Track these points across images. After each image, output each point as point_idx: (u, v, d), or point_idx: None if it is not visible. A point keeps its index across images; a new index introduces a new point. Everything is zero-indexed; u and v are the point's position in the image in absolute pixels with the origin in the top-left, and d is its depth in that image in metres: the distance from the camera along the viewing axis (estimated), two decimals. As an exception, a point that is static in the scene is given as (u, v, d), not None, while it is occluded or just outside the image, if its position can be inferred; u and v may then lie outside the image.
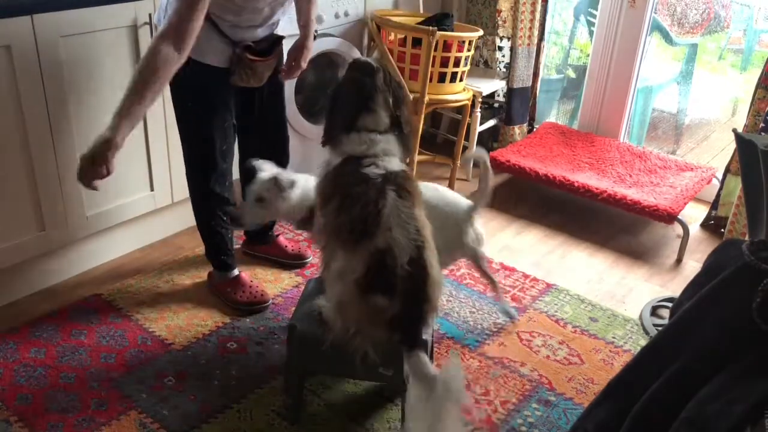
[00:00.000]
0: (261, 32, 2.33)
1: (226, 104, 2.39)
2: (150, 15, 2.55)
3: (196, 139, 2.40)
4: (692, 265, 3.05)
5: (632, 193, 3.19)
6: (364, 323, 1.84)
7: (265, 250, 2.87)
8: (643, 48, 3.60)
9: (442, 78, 3.36)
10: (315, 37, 2.61)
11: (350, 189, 1.91)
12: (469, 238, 2.35)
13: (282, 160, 2.61)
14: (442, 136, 4.17)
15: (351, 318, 1.85)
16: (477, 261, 2.42)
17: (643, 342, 2.50)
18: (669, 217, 3.03)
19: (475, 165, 2.30)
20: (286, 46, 2.52)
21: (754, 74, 3.29)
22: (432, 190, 2.38)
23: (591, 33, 4.07)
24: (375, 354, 1.85)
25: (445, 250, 2.21)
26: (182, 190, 2.91)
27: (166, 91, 2.70)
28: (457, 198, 2.39)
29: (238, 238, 3.01)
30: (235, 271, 2.65)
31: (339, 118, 2.03)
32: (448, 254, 2.31)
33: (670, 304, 2.57)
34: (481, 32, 3.45)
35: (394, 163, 1.98)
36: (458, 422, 1.73)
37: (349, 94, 2.03)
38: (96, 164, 1.88)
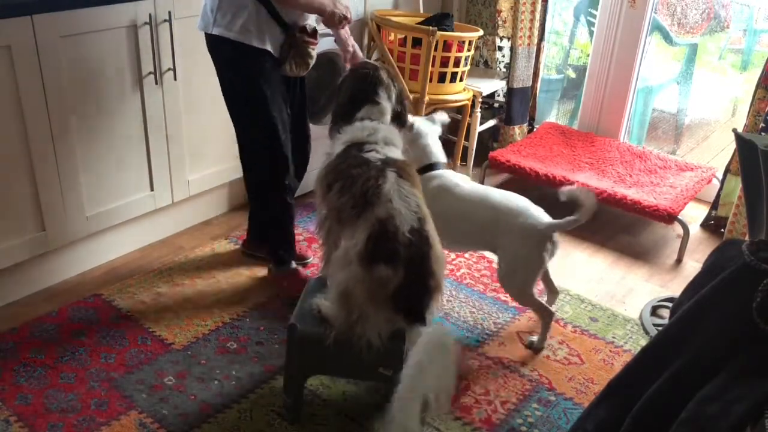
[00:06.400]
0: (308, 15, 2.39)
1: (282, 94, 2.42)
2: (150, 15, 2.55)
3: (265, 129, 2.40)
4: (692, 265, 3.05)
5: (632, 193, 3.19)
6: (369, 304, 1.84)
7: (266, 250, 2.87)
8: (643, 48, 3.60)
9: (442, 78, 3.36)
10: None
11: (351, 170, 1.96)
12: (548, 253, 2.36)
13: (305, 155, 2.70)
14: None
15: (355, 303, 1.85)
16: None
17: (643, 342, 2.50)
18: (669, 217, 3.03)
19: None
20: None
21: (754, 74, 3.29)
22: (518, 199, 2.40)
23: (591, 33, 4.06)
24: (379, 341, 1.85)
25: (528, 264, 2.31)
26: (182, 190, 2.92)
27: (158, 92, 2.71)
28: (540, 212, 2.39)
29: (237, 238, 3.01)
30: (293, 264, 2.67)
31: (343, 108, 2.10)
32: (531, 269, 2.35)
33: (670, 304, 2.57)
34: (481, 32, 3.45)
35: (395, 152, 2.02)
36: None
37: (353, 86, 2.12)
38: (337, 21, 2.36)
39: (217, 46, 2.35)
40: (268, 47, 2.30)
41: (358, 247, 1.84)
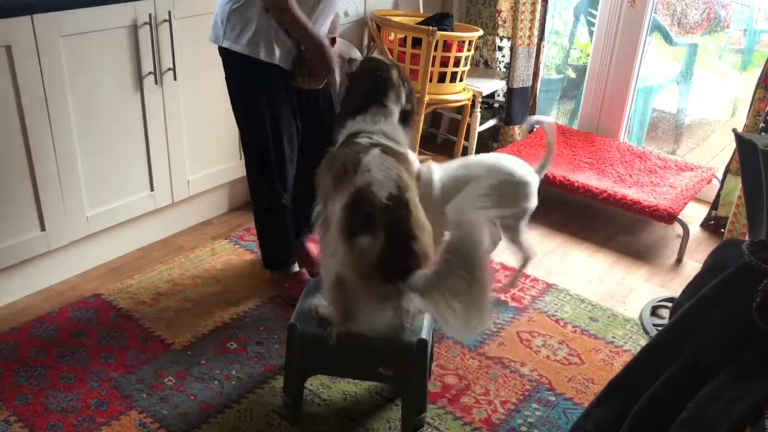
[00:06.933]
0: (324, 28, 2.36)
1: (291, 107, 2.39)
2: (150, 15, 2.55)
3: (265, 143, 2.39)
4: (692, 265, 3.05)
5: (632, 193, 3.19)
6: (358, 283, 1.79)
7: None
8: (643, 48, 3.60)
9: (442, 78, 3.36)
10: None
11: (339, 152, 1.97)
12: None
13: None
14: (442, 136, 4.17)
15: (347, 291, 1.82)
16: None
17: (643, 342, 2.50)
18: (669, 217, 3.03)
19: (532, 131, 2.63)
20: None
21: (754, 74, 3.29)
22: (498, 156, 2.60)
23: (591, 33, 4.07)
24: (377, 332, 1.84)
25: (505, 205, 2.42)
26: (182, 190, 2.92)
27: (158, 92, 2.71)
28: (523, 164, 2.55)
29: (237, 238, 3.01)
30: (295, 267, 2.67)
31: (350, 109, 2.09)
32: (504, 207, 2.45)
33: (670, 304, 2.57)
34: (481, 32, 3.45)
35: (393, 145, 2.01)
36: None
37: (362, 88, 2.11)
38: (322, 66, 2.24)
39: (226, 58, 2.34)
40: (277, 61, 2.27)
41: (336, 219, 1.82)
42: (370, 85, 2.10)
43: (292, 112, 2.40)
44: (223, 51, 2.32)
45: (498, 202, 2.51)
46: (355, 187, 1.82)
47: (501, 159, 2.53)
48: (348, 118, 2.08)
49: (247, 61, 2.26)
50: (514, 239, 2.54)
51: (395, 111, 2.11)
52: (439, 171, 2.42)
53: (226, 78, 2.39)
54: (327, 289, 1.90)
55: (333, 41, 2.37)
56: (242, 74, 2.33)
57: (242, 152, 2.59)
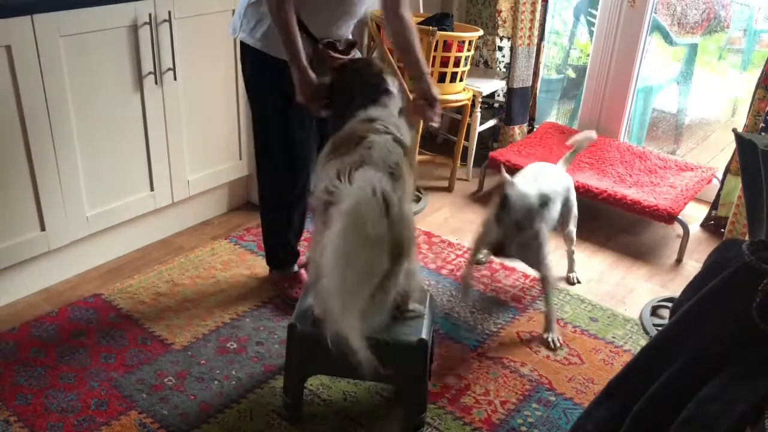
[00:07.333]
0: (343, 30, 2.33)
1: (304, 108, 2.35)
2: (150, 15, 2.55)
3: (272, 137, 2.39)
4: (692, 265, 3.05)
5: (632, 193, 3.19)
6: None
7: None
8: (643, 48, 3.60)
9: (442, 78, 3.36)
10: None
11: (349, 126, 1.92)
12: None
13: None
14: (442, 136, 4.17)
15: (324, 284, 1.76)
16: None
17: (643, 342, 2.50)
18: (669, 217, 3.03)
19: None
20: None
21: (754, 74, 3.29)
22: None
23: (591, 33, 4.07)
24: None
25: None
26: (182, 190, 2.92)
27: (158, 92, 2.71)
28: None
29: (237, 238, 3.01)
30: (295, 267, 2.67)
31: (356, 103, 2.02)
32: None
33: (670, 304, 2.57)
34: (481, 32, 3.45)
35: (402, 138, 1.96)
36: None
37: (366, 80, 2.06)
38: (304, 93, 2.13)
39: (242, 51, 2.35)
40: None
41: (319, 193, 1.77)
42: (368, 79, 2.06)
43: (304, 111, 2.38)
44: (240, 44, 2.34)
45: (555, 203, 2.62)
46: (347, 163, 1.76)
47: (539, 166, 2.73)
48: (359, 109, 2.00)
49: (259, 55, 2.26)
50: (568, 234, 2.81)
51: (398, 97, 2.06)
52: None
53: (243, 71, 2.40)
54: (313, 289, 1.89)
55: (353, 45, 2.34)
56: (255, 68, 2.33)
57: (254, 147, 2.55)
